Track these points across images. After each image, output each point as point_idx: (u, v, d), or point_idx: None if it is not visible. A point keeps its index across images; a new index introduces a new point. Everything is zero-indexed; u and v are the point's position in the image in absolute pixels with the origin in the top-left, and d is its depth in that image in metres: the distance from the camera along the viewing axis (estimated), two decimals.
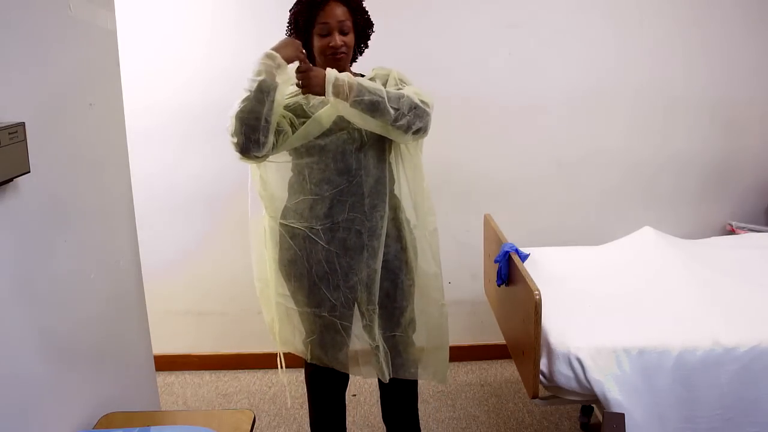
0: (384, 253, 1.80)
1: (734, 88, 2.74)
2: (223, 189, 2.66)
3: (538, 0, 2.62)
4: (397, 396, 2.00)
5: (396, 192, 1.84)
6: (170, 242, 2.75)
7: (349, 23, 1.72)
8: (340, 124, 1.69)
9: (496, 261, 2.03)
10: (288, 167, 1.80)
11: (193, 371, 2.88)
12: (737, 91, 2.74)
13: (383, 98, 1.62)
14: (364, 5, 1.79)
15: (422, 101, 1.68)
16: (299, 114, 1.70)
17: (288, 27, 1.77)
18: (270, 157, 1.73)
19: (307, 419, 2.08)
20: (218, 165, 2.61)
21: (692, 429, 1.67)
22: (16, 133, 1.14)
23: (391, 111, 1.63)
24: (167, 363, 2.79)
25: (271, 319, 1.90)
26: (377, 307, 1.81)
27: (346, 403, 2.07)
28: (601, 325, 1.78)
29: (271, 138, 1.63)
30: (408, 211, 1.86)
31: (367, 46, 1.84)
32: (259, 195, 1.81)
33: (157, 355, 1.93)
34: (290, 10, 1.75)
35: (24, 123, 1.16)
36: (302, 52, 1.65)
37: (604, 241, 2.45)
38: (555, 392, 1.75)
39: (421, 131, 1.71)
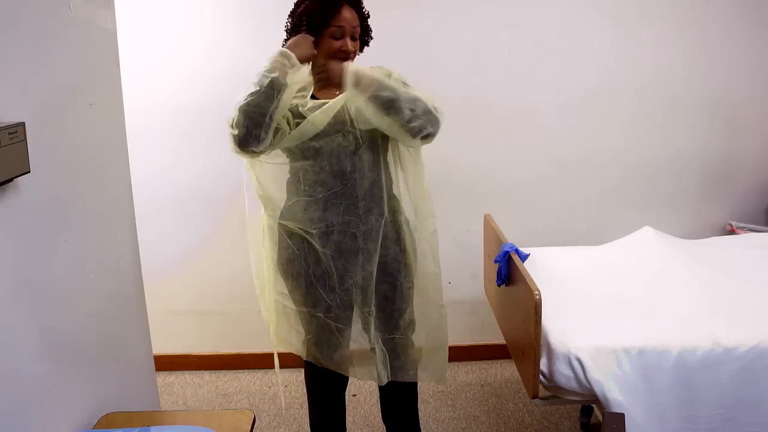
0: (382, 255, 1.80)
1: (734, 88, 2.74)
2: (223, 189, 2.66)
3: (538, 0, 2.62)
4: (396, 396, 2.00)
5: (395, 194, 1.84)
6: (170, 242, 2.75)
7: (358, 29, 1.74)
8: (335, 126, 1.69)
9: (496, 261, 2.03)
10: (283, 168, 1.80)
11: (193, 371, 2.88)
12: (737, 91, 2.74)
13: (400, 97, 1.62)
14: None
15: (435, 107, 1.67)
16: (295, 114, 1.69)
17: (291, 21, 1.74)
18: (265, 157, 1.73)
19: (307, 419, 2.09)
20: (218, 165, 2.61)
21: (692, 429, 1.67)
22: (16, 133, 1.14)
23: (407, 111, 1.62)
24: (167, 363, 2.78)
25: (270, 317, 1.90)
26: (373, 309, 1.81)
27: (347, 403, 2.07)
28: (601, 325, 1.78)
29: (270, 135, 1.63)
30: (408, 213, 1.86)
31: (362, 52, 1.84)
32: (257, 195, 1.81)
33: (157, 355, 1.93)
34: (299, 5, 1.73)
35: (24, 123, 1.16)
36: (314, 51, 1.66)
37: (604, 241, 2.45)
38: (555, 392, 1.75)
39: (429, 137, 1.70)
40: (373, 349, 1.82)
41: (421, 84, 1.77)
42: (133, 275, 1.73)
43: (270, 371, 2.83)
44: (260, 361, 2.83)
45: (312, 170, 1.73)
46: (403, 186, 1.83)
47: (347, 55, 1.72)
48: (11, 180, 1.16)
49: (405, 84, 1.75)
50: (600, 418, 1.78)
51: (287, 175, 1.80)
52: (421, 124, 1.65)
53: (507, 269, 1.98)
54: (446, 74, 2.60)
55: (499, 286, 2.04)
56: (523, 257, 2.02)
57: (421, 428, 2.13)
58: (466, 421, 2.46)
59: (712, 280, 2.01)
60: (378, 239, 1.78)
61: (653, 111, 2.74)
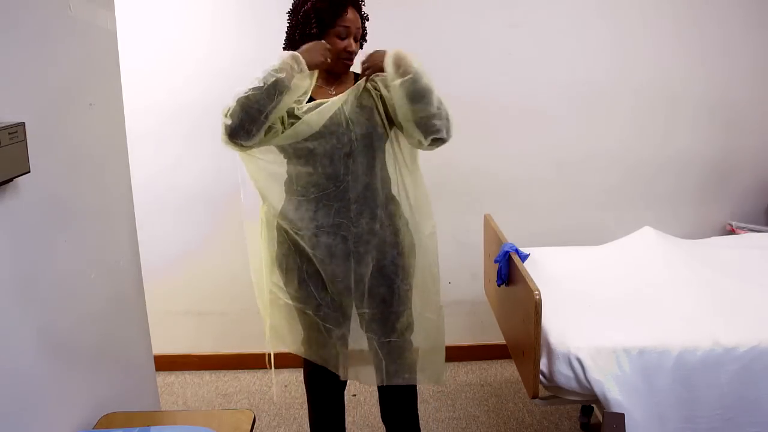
0: (380, 259, 1.79)
1: (734, 88, 2.74)
2: (223, 189, 2.66)
3: (538, 0, 2.62)
4: (395, 397, 2.00)
5: (394, 197, 1.83)
6: (170, 242, 2.75)
7: (360, 30, 1.75)
8: (330, 127, 1.68)
9: (496, 261, 2.03)
10: (276, 166, 1.79)
11: (193, 371, 2.88)
12: (737, 91, 2.74)
13: (433, 91, 1.64)
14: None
15: (450, 117, 1.70)
16: (289, 114, 1.68)
17: (295, 19, 1.73)
18: (259, 153, 1.73)
19: (307, 419, 2.08)
20: (218, 165, 2.61)
21: (692, 429, 1.67)
22: (16, 133, 1.14)
23: (435, 106, 1.64)
24: (167, 363, 2.78)
25: (265, 312, 1.91)
26: (367, 311, 1.81)
27: (347, 403, 2.07)
28: (601, 325, 1.78)
29: (261, 134, 1.63)
30: (408, 215, 1.85)
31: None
32: (256, 188, 1.80)
33: (157, 355, 1.93)
34: (303, 3, 1.71)
35: (24, 123, 1.17)
36: (328, 59, 1.67)
37: (604, 241, 2.45)
38: (555, 392, 1.75)
39: (439, 142, 1.70)
40: (361, 351, 1.82)
41: None
42: (133, 275, 1.73)
43: (270, 371, 2.83)
44: (260, 361, 2.79)
45: (305, 170, 1.73)
46: (402, 188, 1.82)
47: (351, 55, 1.73)
48: (11, 180, 1.16)
49: None
50: (600, 418, 1.78)
51: (284, 172, 1.80)
52: (442, 125, 1.67)
53: (507, 269, 1.98)
54: (446, 74, 2.59)
55: (499, 286, 2.04)
56: (523, 257, 2.02)
57: (421, 428, 2.13)
58: (466, 421, 2.46)
59: (712, 280, 2.01)
60: (370, 242, 1.77)
61: (653, 111, 2.74)
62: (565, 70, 2.68)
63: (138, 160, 1.89)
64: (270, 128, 1.65)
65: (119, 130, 1.67)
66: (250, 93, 1.57)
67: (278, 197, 1.80)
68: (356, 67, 1.85)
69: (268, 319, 1.90)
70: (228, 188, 2.65)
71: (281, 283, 1.85)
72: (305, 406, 2.14)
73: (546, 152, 2.74)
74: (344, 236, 1.75)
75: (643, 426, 1.65)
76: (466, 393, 2.66)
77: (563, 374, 1.69)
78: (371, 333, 1.85)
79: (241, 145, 1.64)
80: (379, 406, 2.09)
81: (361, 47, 1.81)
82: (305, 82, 1.64)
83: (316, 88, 1.74)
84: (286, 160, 1.78)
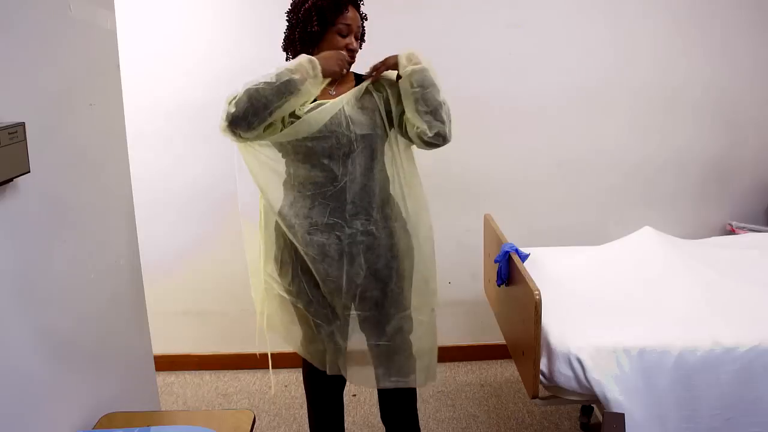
0: (374, 261, 1.78)
1: (734, 87, 2.74)
2: (223, 189, 2.66)
3: (538, 0, 2.62)
4: (394, 397, 2.00)
5: (392, 199, 1.82)
6: (170, 242, 2.75)
7: (360, 29, 1.76)
8: (331, 127, 1.68)
9: (496, 261, 2.03)
10: (275, 162, 1.79)
11: (193, 371, 2.88)
12: (737, 91, 2.74)
13: (440, 88, 1.69)
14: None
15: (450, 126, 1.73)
16: (290, 113, 1.69)
17: (296, 17, 1.73)
18: (260, 147, 1.73)
19: (307, 419, 2.08)
20: (218, 165, 2.61)
21: (692, 429, 1.67)
22: (16, 133, 1.14)
23: (441, 99, 1.68)
24: (167, 363, 2.79)
25: (261, 305, 1.91)
26: (359, 313, 1.81)
27: (347, 403, 2.07)
28: (601, 325, 1.78)
29: (261, 129, 1.63)
30: (405, 217, 1.85)
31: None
32: (254, 180, 1.80)
33: (157, 355, 1.93)
34: (303, 2, 1.72)
35: (24, 123, 1.17)
36: (345, 70, 1.69)
37: (604, 241, 2.45)
38: (555, 392, 1.75)
39: (440, 139, 1.71)
40: (361, 351, 1.82)
41: None
42: (133, 275, 1.73)
43: (272, 373, 2.83)
44: (260, 361, 2.80)
45: (303, 168, 1.73)
46: (399, 190, 1.82)
47: (352, 53, 1.74)
48: (11, 180, 1.16)
49: None
50: (600, 418, 1.78)
51: (282, 167, 1.79)
52: (447, 119, 1.70)
53: (507, 269, 1.98)
54: (446, 74, 2.57)
55: (499, 286, 2.04)
56: (523, 257, 2.02)
57: (421, 428, 2.13)
58: (466, 421, 2.46)
59: (712, 280, 2.01)
60: (364, 243, 1.77)
61: (653, 111, 2.74)
62: (565, 70, 2.68)
63: (138, 160, 1.89)
64: (270, 124, 1.65)
65: (119, 130, 1.67)
66: (260, 86, 1.57)
67: (276, 190, 1.80)
68: (355, 68, 1.86)
69: (259, 307, 1.90)
70: (228, 188, 2.62)
71: (275, 275, 1.85)
72: (305, 406, 2.14)
73: (546, 152, 2.74)
74: (338, 236, 1.75)
75: (643, 426, 1.65)
76: (466, 393, 2.66)
77: (563, 374, 1.69)
78: (365, 334, 1.85)
79: (239, 136, 1.64)
80: (378, 406, 2.09)
81: (360, 47, 1.81)
82: (315, 88, 1.64)
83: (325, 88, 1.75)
84: (284, 160, 1.78)
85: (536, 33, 2.64)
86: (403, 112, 1.74)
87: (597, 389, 1.65)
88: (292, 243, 1.77)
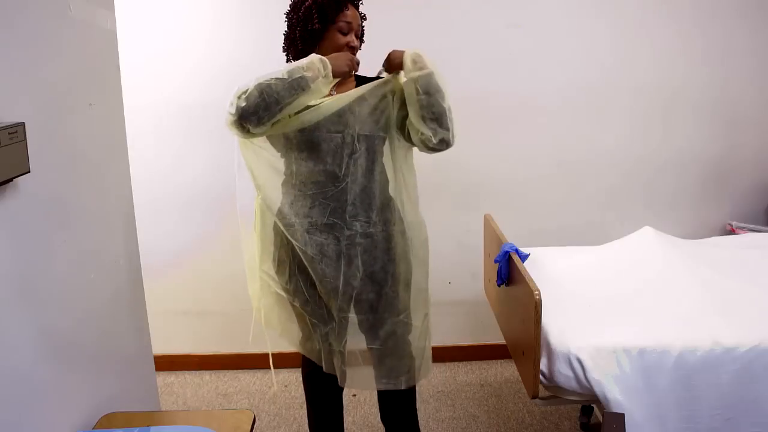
0: (370, 264, 1.78)
1: (734, 87, 2.74)
2: (223, 188, 2.66)
3: (538, 0, 2.62)
4: (394, 397, 1.99)
5: (391, 202, 1.81)
6: (170, 242, 2.75)
7: (360, 28, 1.77)
8: (337, 126, 1.68)
9: (496, 261, 2.03)
10: (275, 159, 1.79)
11: (193, 371, 2.88)
12: (737, 91, 2.74)
13: (446, 93, 1.69)
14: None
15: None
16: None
17: (296, 16, 1.73)
18: (259, 141, 1.74)
19: (307, 419, 2.08)
20: (219, 164, 2.61)
21: (692, 429, 1.67)
22: (16, 133, 1.14)
23: (446, 105, 1.68)
24: (167, 363, 2.79)
25: (257, 302, 1.91)
26: (354, 315, 1.81)
27: (346, 403, 2.07)
28: (601, 325, 1.78)
29: (269, 125, 1.63)
30: (408, 226, 1.85)
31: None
32: (252, 177, 1.80)
33: (157, 355, 1.93)
34: (303, 1, 1.72)
35: (24, 123, 1.17)
36: (354, 68, 1.69)
37: (604, 241, 2.45)
38: (555, 392, 1.75)
39: (443, 145, 1.72)
40: (339, 352, 1.81)
41: None
42: (132, 275, 1.73)
43: (270, 371, 2.83)
44: (260, 361, 2.82)
45: (306, 165, 1.73)
46: (398, 194, 1.82)
47: (353, 51, 1.74)
48: (11, 180, 1.16)
49: None
50: (600, 418, 1.78)
51: (281, 165, 1.79)
52: (451, 125, 1.70)
53: (507, 269, 1.98)
54: (446, 74, 2.59)
55: (499, 286, 2.04)
56: (523, 257, 2.02)
57: (421, 428, 2.13)
58: (466, 421, 2.46)
59: (712, 280, 2.01)
60: (362, 245, 1.76)
61: (653, 111, 2.74)
62: (565, 70, 2.68)
63: (138, 160, 1.89)
64: (278, 121, 1.65)
65: (119, 130, 1.67)
66: (272, 81, 1.58)
67: (275, 189, 1.80)
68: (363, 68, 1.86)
69: (256, 303, 1.90)
70: (228, 188, 2.62)
71: (272, 273, 1.85)
72: (305, 406, 2.14)
73: (546, 152, 2.74)
74: (337, 237, 1.75)
75: (643, 426, 1.65)
76: (466, 393, 2.66)
77: (563, 374, 1.69)
78: (356, 336, 1.85)
79: (248, 131, 1.64)
80: (378, 407, 2.09)
81: (359, 47, 1.81)
82: (325, 87, 1.64)
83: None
84: (284, 159, 1.78)
85: (536, 33, 2.64)
86: (406, 115, 1.74)
87: (597, 389, 1.65)
88: (289, 242, 1.77)
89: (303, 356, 1.94)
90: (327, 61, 1.63)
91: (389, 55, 1.74)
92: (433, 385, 2.70)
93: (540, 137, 2.73)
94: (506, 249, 1.99)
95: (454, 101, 1.73)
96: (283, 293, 1.84)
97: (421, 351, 1.88)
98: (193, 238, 2.77)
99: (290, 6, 1.77)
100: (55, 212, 1.35)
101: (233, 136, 1.71)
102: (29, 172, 1.19)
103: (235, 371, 2.87)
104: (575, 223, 2.79)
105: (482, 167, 2.73)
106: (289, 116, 1.67)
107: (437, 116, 1.68)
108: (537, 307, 1.65)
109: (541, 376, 1.71)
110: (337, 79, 1.68)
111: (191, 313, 2.85)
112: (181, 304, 2.82)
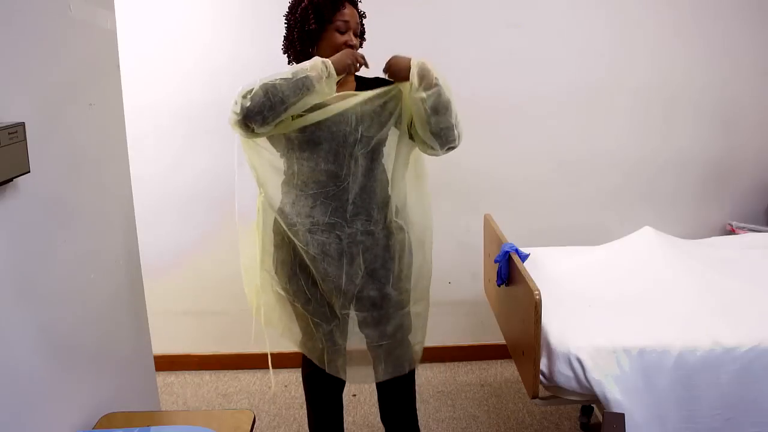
0: (372, 262, 1.79)
1: (734, 87, 2.74)
2: (223, 188, 2.65)
3: (538, 0, 2.62)
4: (394, 397, 2.00)
5: (392, 203, 1.81)
6: (170, 242, 2.75)
7: (359, 26, 1.77)
8: (340, 126, 1.68)
9: (496, 261, 2.03)
10: (277, 159, 1.79)
11: (193, 371, 2.88)
12: (737, 91, 2.74)
13: (452, 102, 1.67)
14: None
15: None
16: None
17: (294, 17, 1.73)
18: (261, 141, 1.74)
19: (307, 419, 2.08)
20: (219, 164, 2.61)
21: (692, 429, 1.67)
22: (16, 133, 1.14)
23: (453, 117, 1.68)
24: (167, 363, 2.79)
25: (256, 300, 1.91)
26: (357, 313, 1.82)
27: (347, 403, 2.07)
28: (601, 325, 1.78)
29: (273, 125, 1.63)
30: (411, 222, 1.85)
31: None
32: (254, 176, 1.80)
33: (157, 355, 1.93)
34: (300, 2, 1.72)
35: (24, 123, 1.16)
36: (358, 62, 1.68)
37: (604, 241, 2.45)
38: (555, 392, 1.75)
39: (451, 150, 1.74)
40: (360, 351, 1.82)
41: None
42: (132, 275, 1.73)
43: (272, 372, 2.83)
44: (260, 361, 2.82)
45: (308, 165, 1.73)
46: (400, 193, 1.82)
47: (352, 50, 1.73)
48: (11, 180, 1.16)
49: None
50: (600, 418, 1.78)
51: (283, 165, 1.79)
52: (457, 135, 1.71)
53: (507, 269, 1.98)
54: (446, 74, 2.59)
55: (499, 286, 2.04)
56: (523, 257, 2.02)
57: (421, 428, 2.13)
58: (466, 421, 2.46)
59: (712, 280, 2.01)
60: (363, 244, 1.77)
61: (653, 111, 2.74)
62: (565, 70, 2.68)
63: (138, 159, 1.89)
64: (281, 121, 1.65)
65: (119, 130, 1.67)
66: (277, 81, 1.58)
67: (275, 187, 1.80)
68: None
69: (255, 302, 1.90)
70: (228, 188, 2.61)
71: (273, 273, 1.85)
72: (305, 406, 2.14)
73: (546, 152, 2.74)
74: (338, 236, 1.75)
75: (643, 426, 1.65)
76: (466, 393, 2.66)
77: (563, 374, 1.69)
78: (364, 334, 1.85)
79: (252, 131, 1.64)
80: (378, 407, 2.09)
81: (360, 45, 1.81)
82: (330, 88, 1.64)
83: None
84: (284, 159, 1.78)
85: (536, 33, 2.64)
86: (412, 120, 1.74)
87: (597, 389, 1.65)
88: (291, 241, 1.77)
89: (303, 357, 1.94)
90: (329, 61, 1.63)
91: (392, 63, 1.71)
92: (433, 385, 2.70)
93: (540, 137, 2.73)
94: (506, 249, 1.99)
95: (454, 102, 1.73)
96: (283, 293, 1.84)
97: (422, 336, 1.90)
98: (193, 238, 2.77)
99: (288, 8, 1.77)
100: (55, 212, 1.35)
101: (234, 135, 1.71)
102: (29, 172, 1.19)
103: (235, 371, 2.87)
104: (575, 223, 2.79)
105: (482, 167, 2.73)
106: (292, 118, 1.67)
107: (444, 132, 1.69)
108: (537, 307, 1.65)
109: (541, 376, 1.71)
110: (342, 76, 1.67)
111: (191, 313, 2.85)
112: (181, 304, 2.82)
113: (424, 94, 1.64)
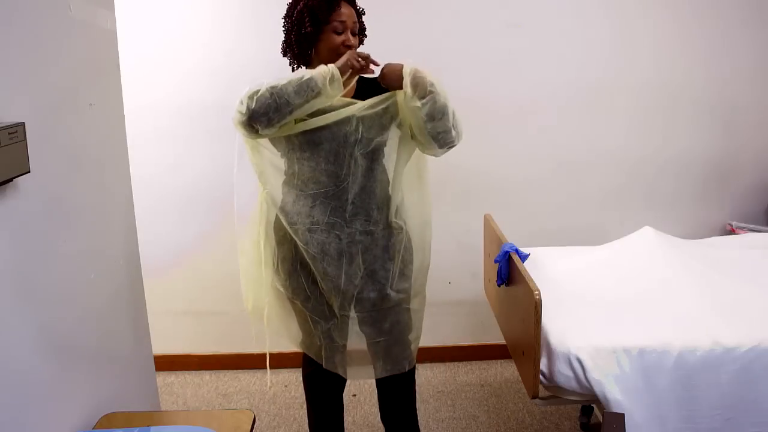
0: (371, 262, 1.79)
1: (734, 88, 2.74)
2: (223, 188, 2.64)
3: (538, 0, 2.62)
4: (394, 396, 2.00)
5: (392, 203, 1.81)
6: (170, 242, 2.75)
7: (357, 25, 1.76)
8: (341, 126, 1.68)
9: (496, 261, 2.03)
10: (278, 158, 1.79)
11: (193, 371, 2.88)
12: (737, 91, 2.74)
13: (449, 105, 1.67)
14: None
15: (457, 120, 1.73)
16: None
17: (291, 20, 1.74)
18: (263, 142, 1.74)
19: (307, 419, 2.08)
20: (218, 164, 2.61)
21: (692, 429, 1.67)
22: (16, 133, 1.14)
23: (450, 120, 1.68)
24: (167, 363, 2.78)
25: (254, 300, 1.91)
26: (357, 314, 1.82)
27: (347, 403, 2.07)
28: (601, 325, 1.78)
29: (278, 127, 1.63)
30: (411, 223, 1.86)
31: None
32: (256, 173, 1.80)
33: (157, 355, 1.93)
34: (296, 3, 1.73)
35: (24, 123, 1.17)
36: (357, 60, 1.67)
37: (605, 241, 2.45)
38: (555, 392, 1.75)
39: (452, 148, 1.75)
40: (343, 346, 1.83)
41: None
42: (132, 275, 1.73)
43: (270, 371, 2.83)
44: (260, 361, 2.80)
45: (308, 165, 1.73)
46: (399, 193, 1.82)
47: (350, 50, 1.73)
48: (11, 180, 1.16)
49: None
50: (600, 418, 1.78)
51: (282, 164, 1.80)
52: (456, 135, 1.72)
53: (507, 269, 1.98)
54: (446, 74, 2.58)
55: (499, 286, 2.04)
56: (523, 257, 2.02)
57: (421, 428, 2.13)
58: (466, 421, 2.46)
59: (712, 280, 2.01)
60: (362, 244, 1.77)
61: (653, 111, 2.74)
62: (565, 70, 2.68)
63: (138, 159, 1.89)
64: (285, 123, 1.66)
65: (119, 130, 1.67)
66: (283, 85, 1.59)
67: (276, 187, 1.81)
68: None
69: (252, 303, 1.91)
70: (228, 188, 2.62)
71: (274, 269, 1.85)
72: (305, 406, 2.14)
73: (546, 152, 2.74)
74: (338, 235, 1.75)
75: (643, 426, 1.65)
76: (466, 393, 2.66)
77: (563, 374, 1.69)
78: (364, 334, 1.86)
79: (256, 132, 1.64)
80: (378, 406, 2.09)
81: (361, 42, 1.81)
82: (335, 91, 1.64)
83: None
84: (284, 159, 1.78)
85: (536, 32, 2.64)
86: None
87: (597, 389, 1.65)
88: (291, 239, 1.77)
89: (303, 357, 1.94)
90: (334, 66, 1.63)
91: (385, 73, 1.71)
92: (433, 385, 2.70)
93: (540, 137, 2.73)
94: (506, 249, 1.99)
95: (454, 101, 1.73)
96: (283, 290, 1.85)
97: (418, 332, 1.91)
98: (193, 238, 2.77)
99: (286, 11, 1.77)
100: (55, 212, 1.35)
101: (235, 135, 1.72)
102: (29, 172, 1.19)
103: (235, 371, 2.87)
104: (575, 223, 2.79)
105: (482, 167, 2.73)
106: (295, 121, 1.67)
107: (442, 136, 1.70)
108: (537, 307, 1.65)
109: (541, 376, 1.71)
110: (347, 75, 1.67)
111: (191, 313, 2.85)
112: (181, 304, 2.82)
113: (418, 103, 1.64)
